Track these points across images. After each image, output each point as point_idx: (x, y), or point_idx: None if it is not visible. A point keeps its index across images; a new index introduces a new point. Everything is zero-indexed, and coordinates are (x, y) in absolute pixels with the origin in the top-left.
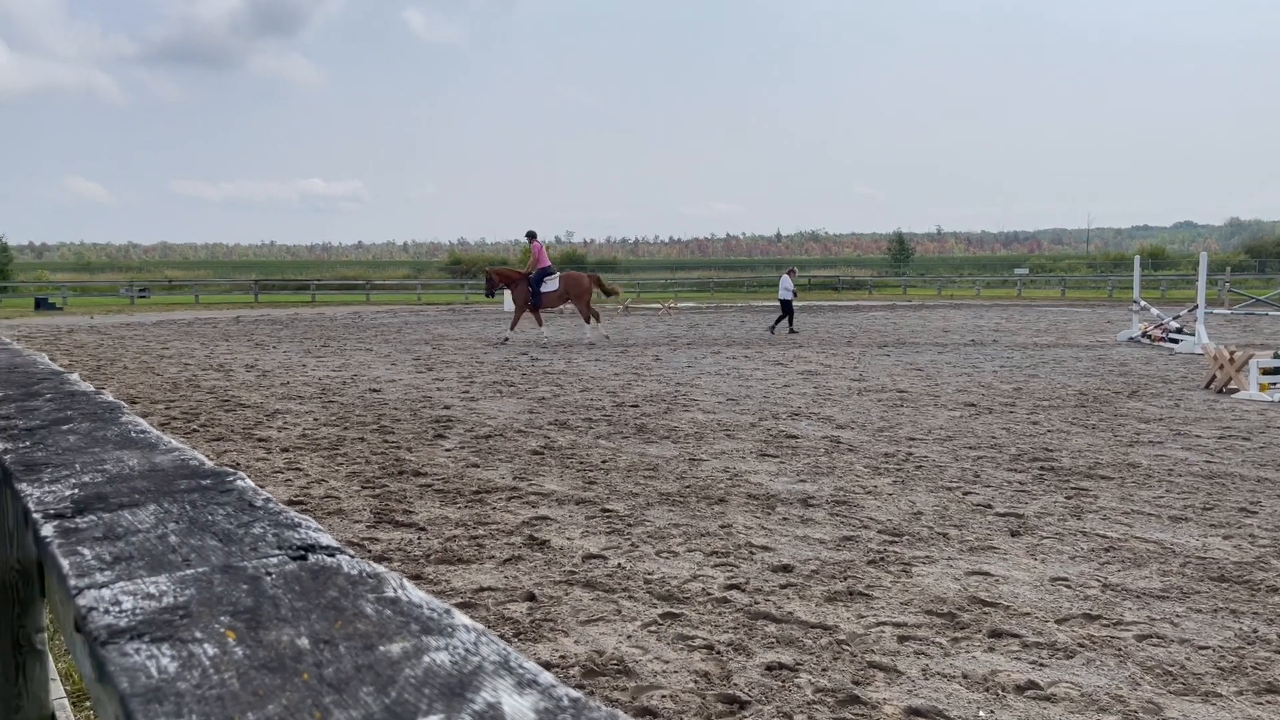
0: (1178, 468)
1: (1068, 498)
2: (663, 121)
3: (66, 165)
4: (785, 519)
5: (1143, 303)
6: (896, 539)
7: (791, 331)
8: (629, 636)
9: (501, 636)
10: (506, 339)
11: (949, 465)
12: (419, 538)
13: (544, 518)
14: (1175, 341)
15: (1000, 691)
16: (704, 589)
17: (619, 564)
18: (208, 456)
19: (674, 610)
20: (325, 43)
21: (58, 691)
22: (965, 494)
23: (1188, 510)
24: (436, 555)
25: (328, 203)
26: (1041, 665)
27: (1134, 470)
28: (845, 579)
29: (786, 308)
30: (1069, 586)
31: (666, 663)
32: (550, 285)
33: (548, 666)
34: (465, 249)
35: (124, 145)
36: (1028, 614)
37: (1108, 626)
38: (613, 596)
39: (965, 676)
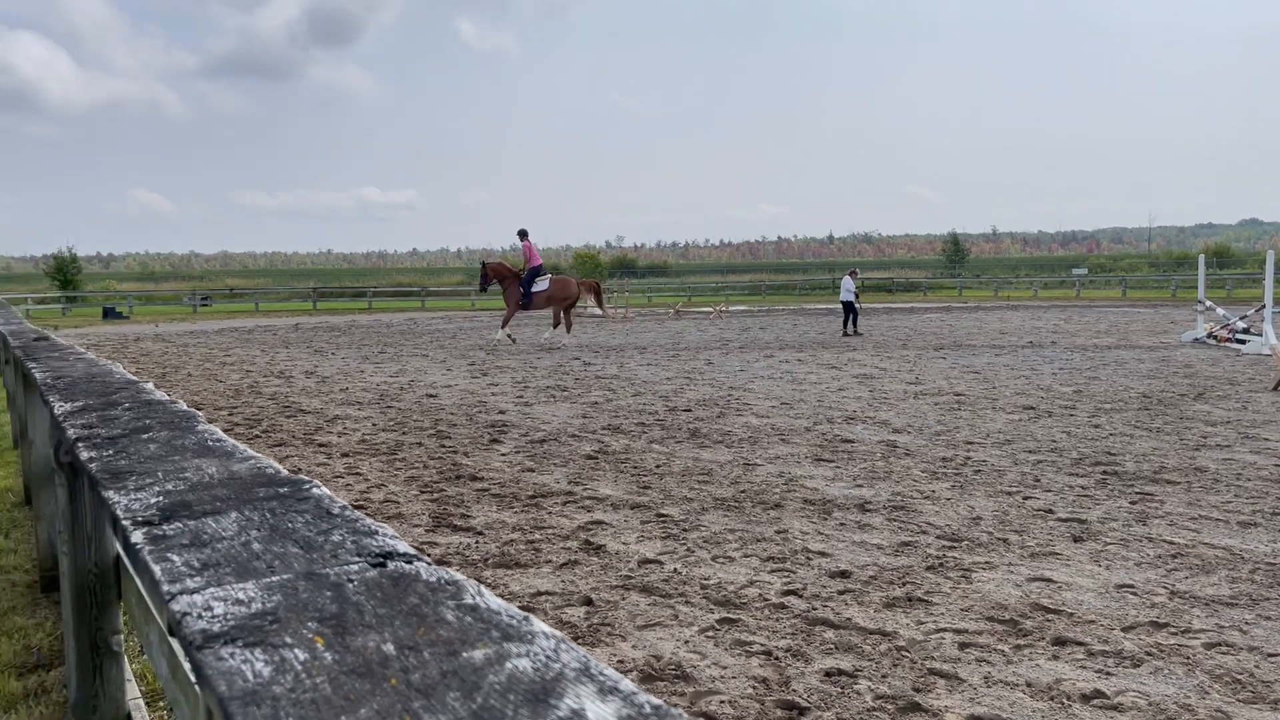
0: (1246, 472)
1: (1132, 503)
2: (711, 125)
3: (132, 178)
4: (842, 524)
5: (1208, 302)
6: (955, 544)
7: (846, 334)
8: (686, 641)
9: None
10: (510, 337)
11: (1008, 470)
12: (477, 542)
13: (599, 522)
14: (1242, 342)
15: (1065, 700)
16: (761, 594)
17: (675, 569)
18: (257, 453)
19: (731, 615)
20: (379, 53)
21: (133, 692)
22: (1025, 499)
23: (1257, 515)
24: (494, 559)
25: (383, 211)
26: (1107, 674)
27: (1201, 474)
28: (904, 585)
29: (849, 309)
30: (1135, 593)
31: (724, 668)
32: (541, 286)
33: None
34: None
35: (186, 157)
36: (1092, 621)
37: (1175, 634)
38: (669, 601)
39: (1029, 685)
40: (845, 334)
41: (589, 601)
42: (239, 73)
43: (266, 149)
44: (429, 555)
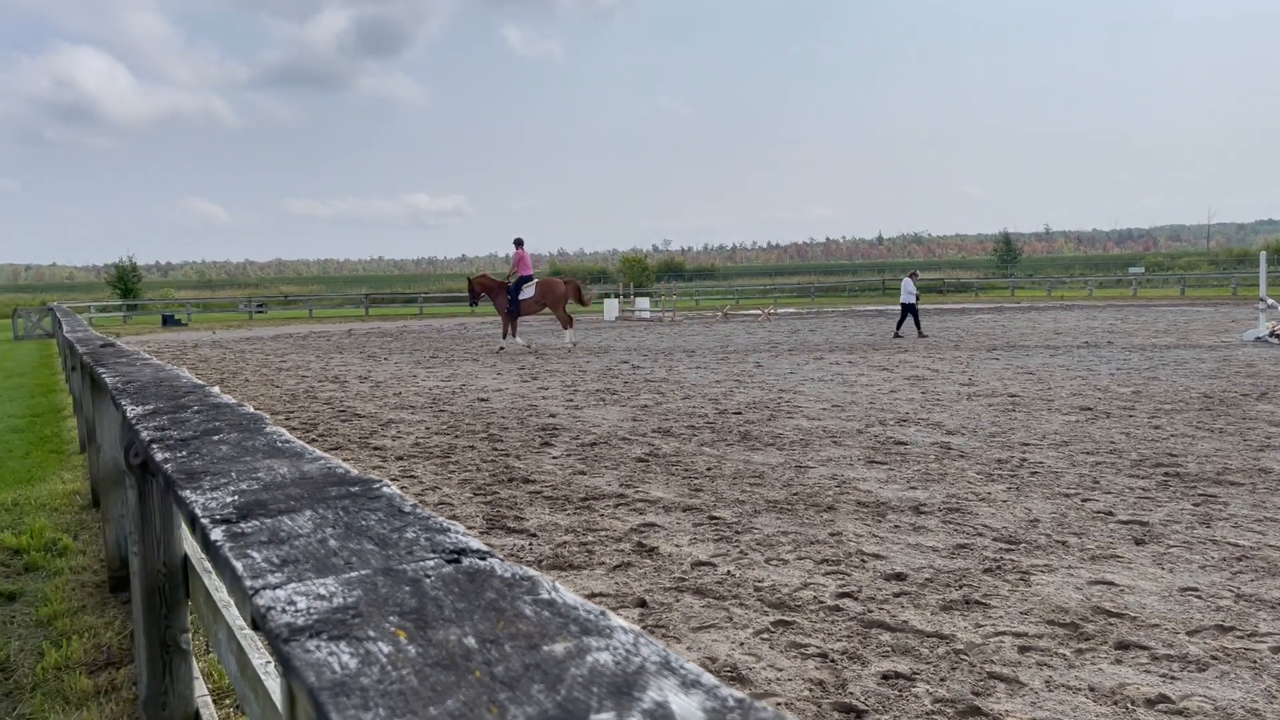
0: None
1: (1195, 505)
2: (758, 127)
3: (188, 187)
4: (896, 526)
5: (1270, 300)
6: (1013, 547)
7: (898, 335)
8: (741, 644)
9: None
10: (502, 348)
11: (1066, 471)
12: (530, 544)
13: (652, 524)
14: None
15: (1130, 705)
16: (815, 597)
17: (728, 571)
18: (325, 454)
19: (786, 618)
20: (427, 61)
21: (200, 689)
22: (1084, 501)
23: None
24: (548, 561)
25: (432, 217)
26: (1173, 678)
27: (1265, 476)
28: (961, 587)
29: (909, 311)
30: (1199, 597)
31: (780, 670)
32: (527, 292)
33: None
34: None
35: (240, 166)
36: (1156, 625)
37: (1242, 638)
38: (723, 604)
39: (1092, 689)
40: (897, 335)
41: (643, 603)
42: (291, 83)
43: (318, 157)
44: None
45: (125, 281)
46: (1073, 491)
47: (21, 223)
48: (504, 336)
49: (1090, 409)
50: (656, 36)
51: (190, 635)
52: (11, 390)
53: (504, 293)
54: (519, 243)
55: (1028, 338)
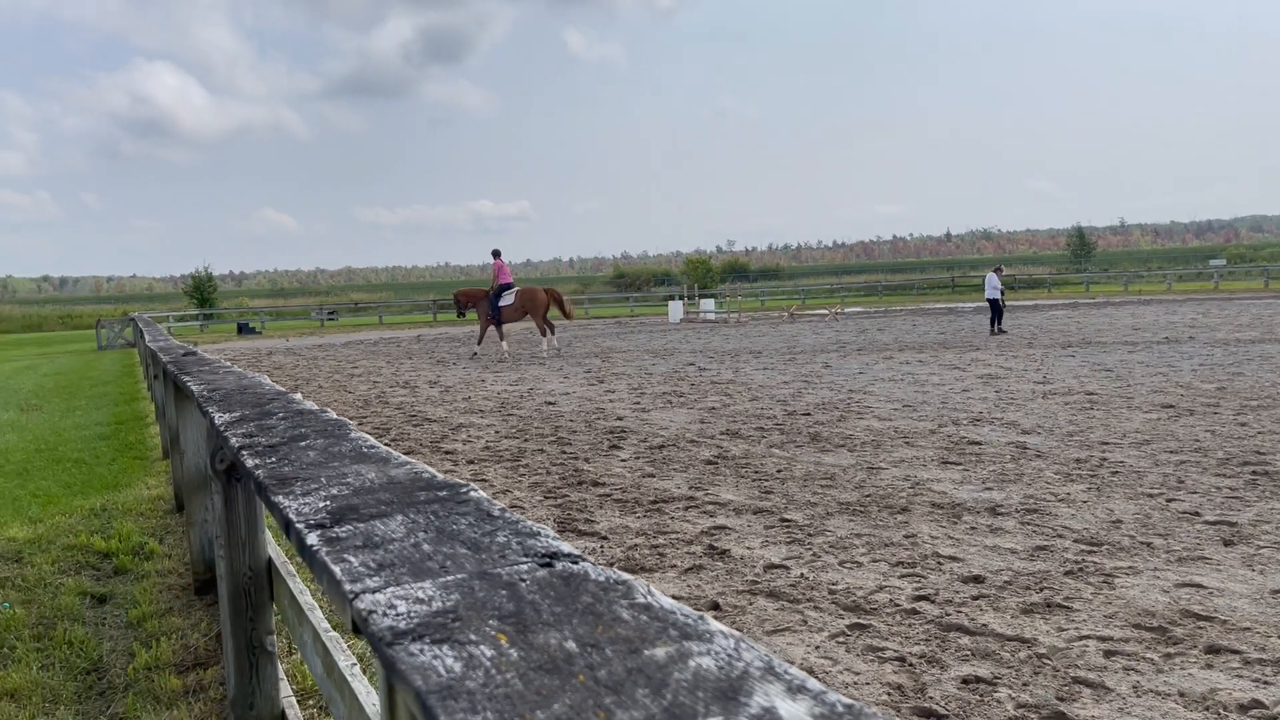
0: None
1: None
2: (821, 126)
3: (260, 198)
4: (973, 528)
5: None
6: (1095, 549)
7: (996, 332)
8: (817, 647)
9: None
10: (475, 353)
11: (1148, 471)
12: (602, 547)
13: (722, 527)
14: None
15: (1221, 710)
16: (891, 600)
17: (802, 574)
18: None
19: (861, 621)
20: (490, 68)
21: (285, 690)
22: (1169, 501)
23: None
24: (620, 564)
25: (497, 223)
26: (1266, 683)
27: None
28: (1041, 590)
29: (995, 306)
30: None
31: (858, 674)
32: (507, 300)
33: None
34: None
35: (309, 177)
36: (1248, 629)
37: None
38: (798, 607)
39: (1181, 694)
40: (994, 332)
41: (716, 606)
42: (357, 93)
43: (385, 166)
44: None
45: (202, 291)
46: (1156, 491)
47: (102, 236)
48: (478, 342)
49: (1172, 406)
50: (717, 37)
51: (275, 637)
52: (97, 399)
53: (485, 302)
54: (496, 254)
55: (1104, 334)
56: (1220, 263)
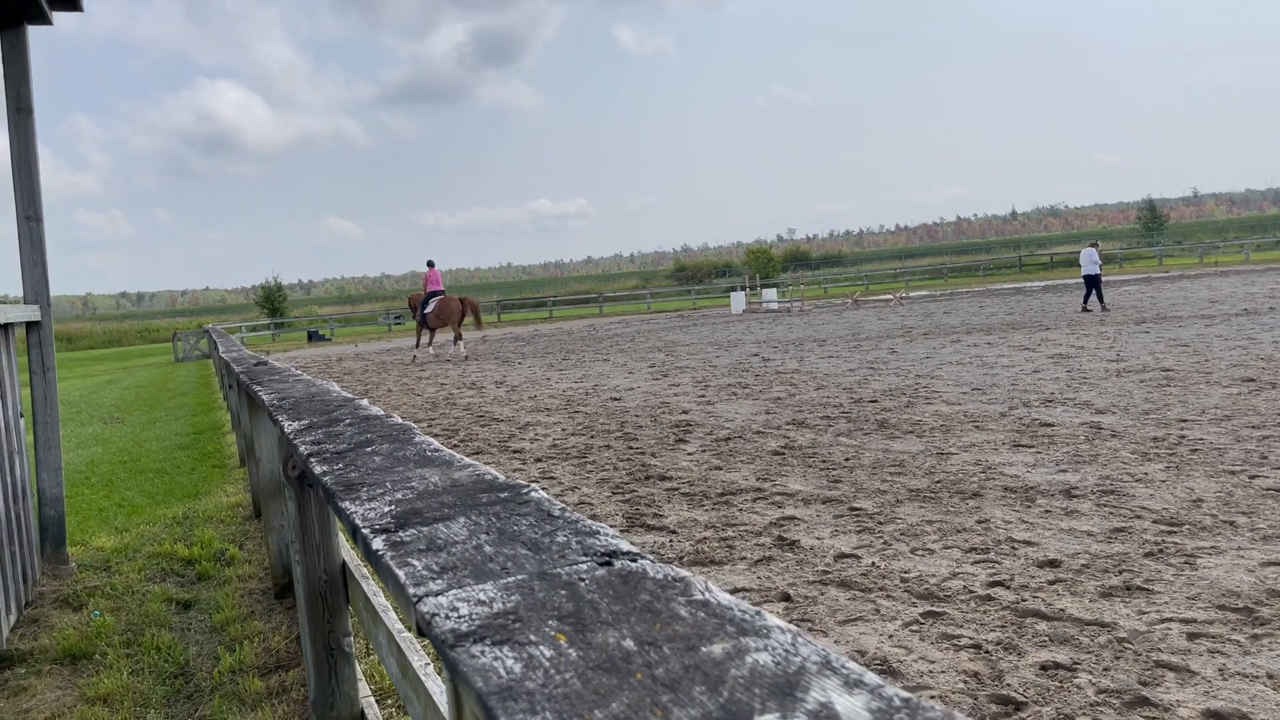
0: None
1: None
2: (877, 109)
3: (324, 207)
4: (1047, 511)
5: None
6: (1175, 529)
7: (1088, 310)
8: (890, 636)
9: None
10: (414, 357)
11: (1229, 447)
12: (671, 540)
13: (791, 518)
14: None
15: None
16: (965, 586)
17: (873, 563)
18: (473, 460)
19: (935, 609)
20: (543, 67)
21: (363, 690)
22: (1252, 478)
23: None
24: (689, 557)
25: (556, 221)
26: None
27: None
28: (1120, 573)
29: (1094, 282)
30: None
31: (932, 663)
32: (429, 307)
33: None
34: (689, 255)
35: (371, 184)
36: None
37: None
38: (870, 596)
39: (1270, 677)
40: (1088, 309)
41: (787, 597)
42: (414, 99)
43: (444, 170)
44: None
45: (272, 301)
46: (1238, 468)
47: (175, 250)
48: (416, 346)
49: (1253, 380)
50: (769, 24)
51: (352, 639)
52: (176, 410)
53: (420, 308)
54: (430, 264)
55: (1179, 308)
56: None
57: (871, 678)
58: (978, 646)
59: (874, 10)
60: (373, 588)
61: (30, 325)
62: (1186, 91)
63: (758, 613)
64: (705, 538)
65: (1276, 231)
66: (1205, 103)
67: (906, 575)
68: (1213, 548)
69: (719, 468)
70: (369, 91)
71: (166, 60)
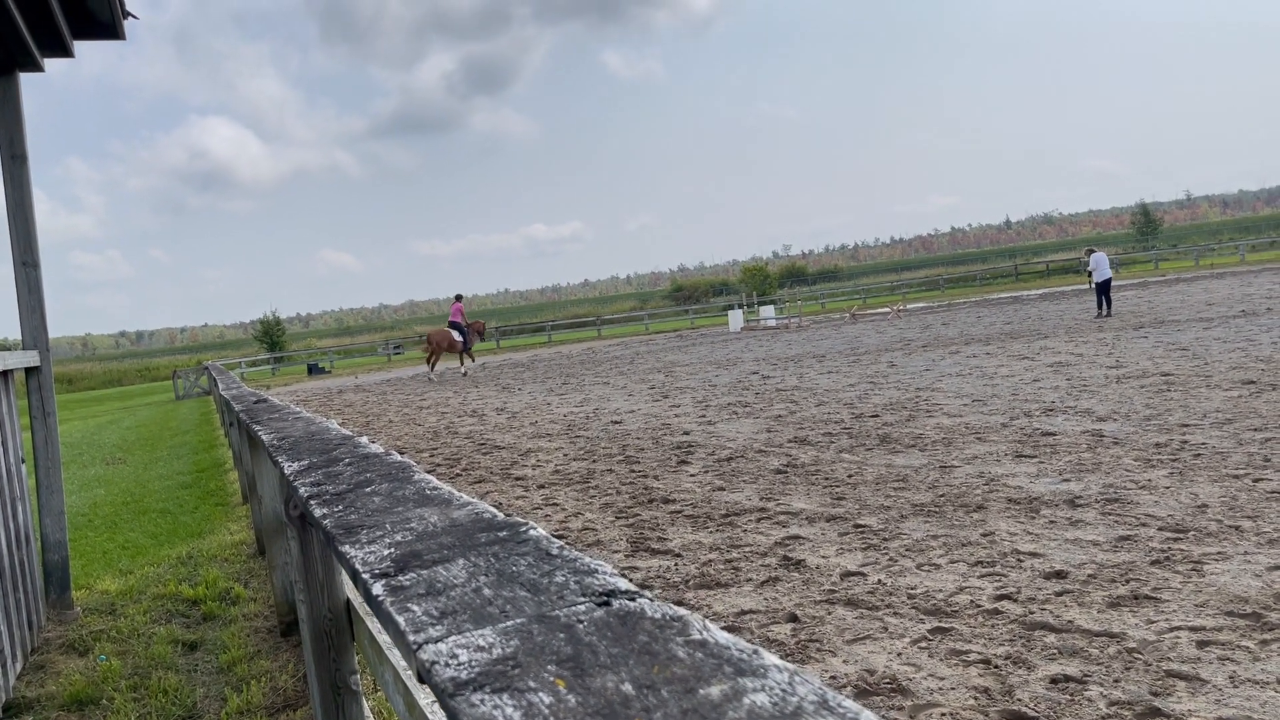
0: None
1: None
2: (866, 123)
3: (320, 240)
4: (1052, 522)
5: None
6: (1181, 535)
7: (1106, 314)
8: (899, 654)
9: None
10: (431, 378)
11: (1232, 451)
12: (676, 564)
13: (796, 537)
14: None
15: None
16: (973, 601)
17: (879, 580)
18: (472, 498)
19: (943, 624)
20: (533, 94)
21: None
22: (1256, 481)
23: None
24: (695, 580)
25: (552, 246)
26: None
27: None
28: (1128, 582)
29: (1107, 287)
30: None
31: (942, 679)
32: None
33: None
34: (686, 275)
35: (366, 215)
36: None
37: None
38: (877, 613)
39: None
40: (1106, 315)
41: (794, 618)
42: (406, 129)
43: (438, 198)
44: (631, 580)
45: (271, 335)
46: (1242, 472)
47: (173, 288)
48: (460, 365)
49: (1254, 382)
50: (755, 43)
51: (359, 676)
52: (177, 448)
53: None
54: (458, 297)
55: (1177, 312)
56: None
57: (868, 716)
58: (987, 661)
59: (856, 26)
60: (377, 626)
61: (30, 370)
62: (1176, 94)
63: (755, 651)
64: (710, 560)
65: (1271, 232)
66: (1195, 105)
67: (913, 591)
68: (1219, 553)
69: (722, 488)
70: (360, 124)
71: (157, 100)
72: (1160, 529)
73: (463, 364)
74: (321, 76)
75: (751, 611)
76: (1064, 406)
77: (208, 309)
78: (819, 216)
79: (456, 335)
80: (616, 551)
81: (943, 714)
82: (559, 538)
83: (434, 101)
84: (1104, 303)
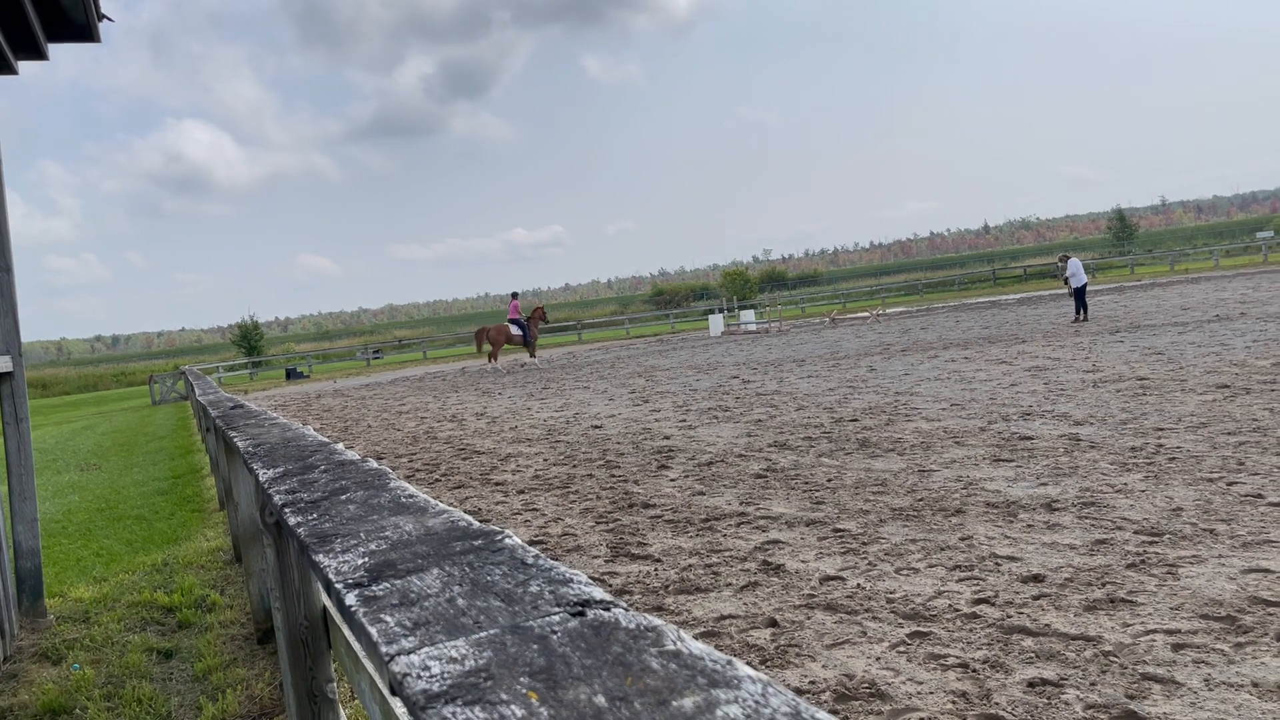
0: None
1: None
2: (847, 128)
3: (298, 244)
4: (1029, 526)
5: None
6: (1156, 539)
7: (1082, 319)
8: (878, 658)
9: (748, 664)
10: (535, 365)
11: (1207, 455)
12: (655, 569)
13: (776, 542)
14: None
15: None
16: (951, 605)
17: (858, 584)
18: (451, 504)
19: (922, 629)
20: (512, 98)
21: None
22: (1230, 484)
23: None
24: (675, 586)
25: (532, 250)
26: None
27: None
28: (1104, 586)
29: (1084, 292)
30: None
31: (920, 684)
32: (513, 330)
33: (798, 693)
34: (666, 279)
35: (344, 219)
36: None
37: None
38: (856, 618)
39: (1255, 685)
40: (1084, 319)
41: (774, 623)
42: (384, 133)
43: (417, 202)
44: (611, 585)
45: (249, 340)
46: (1216, 475)
47: (149, 292)
48: (531, 356)
49: (1228, 386)
50: (735, 48)
51: (335, 684)
52: (154, 454)
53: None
54: (514, 295)
55: (1153, 316)
56: (1268, 234)
57: None
58: (965, 666)
59: (836, 32)
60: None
61: (2, 375)
62: (1150, 101)
63: (729, 662)
64: (690, 565)
65: (1244, 237)
66: (1170, 112)
67: (892, 596)
68: (1194, 556)
69: (702, 493)
70: (338, 127)
71: (133, 103)
72: (1136, 532)
73: (532, 355)
74: (299, 79)
75: (731, 616)
76: (1041, 411)
77: (185, 313)
78: (799, 221)
79: (515, 330)
80: (596, 557)
81: (921, 718)
82: (538, 543)
83: (413, 105)
84: (1081, 307)
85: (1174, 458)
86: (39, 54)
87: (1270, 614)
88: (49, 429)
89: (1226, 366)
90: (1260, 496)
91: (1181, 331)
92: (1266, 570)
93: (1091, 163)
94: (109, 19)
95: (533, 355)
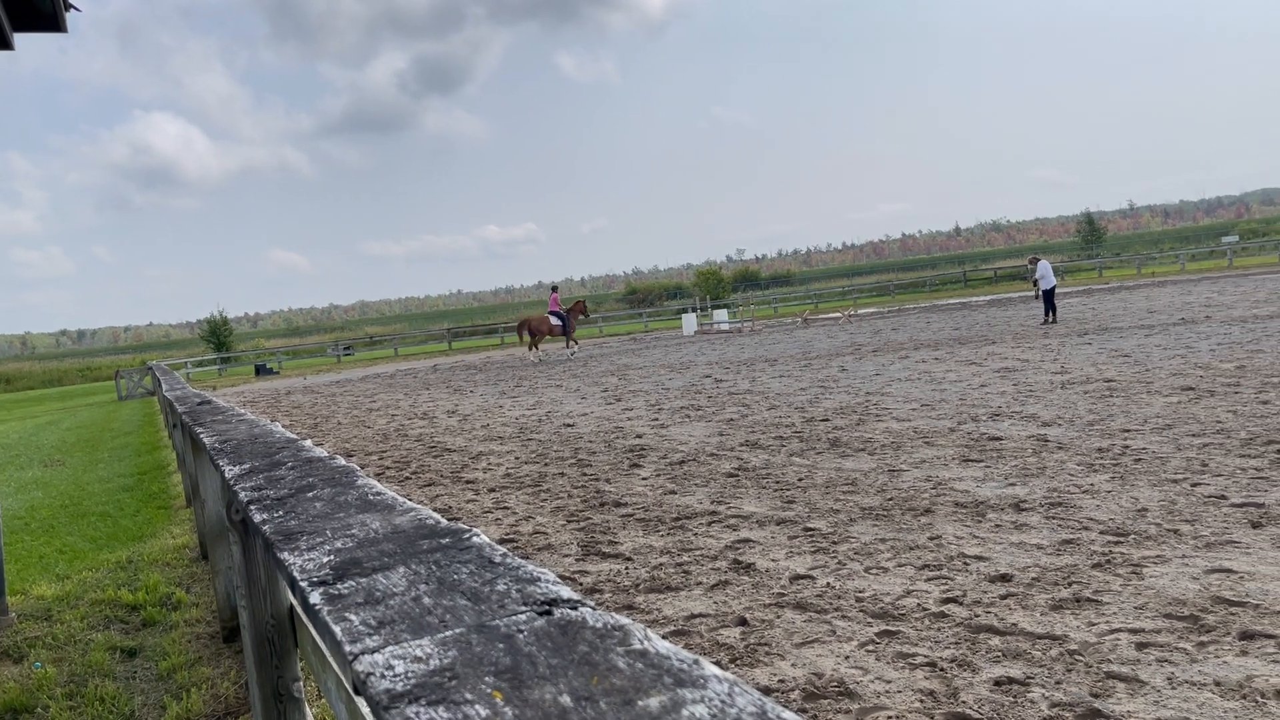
0: None
1: None
2: (820, 130)
3: (269, 239)
4: (997, 526)
5: None
6: (1122, 539)
7: (1051, 321)
8: (847, 657)
9: (717, 663)
10: (572, 354)
11: (1171, 456)
12: (626, 568)
13: (746, 540)
14: None
15: (1259, 698)
16: (919, 604)
17: (828, 583)
18: (422, 502)
19: (890, 628)
20: (486, 94)
21: None
22: (1194, 485)
23: None
24: (645, 584)
25: (506, 247)
26: None
27: None
28: (1070, 585)
29: (1051, 294)
30: None
31: (889, 682)
32: (553, 321)
33: (767, 692)
34: (640, 278)
35: (316, 214)
36: None
37: None
38: (825, 617)
39: (1218, 684)
40: (1052, 321)
41: (744, 621)
42: (357, 128)
43: (390, 198)
44: (581, 584)
45: (218, 335)
46: (1181, 477)
47: (116, 286)
48: (567, 345)
49: (1192, 388)
50: (709, 49)
51: (301, 683)
52: (119, 450)
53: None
54: (554, 287)
55: (1120, 319)
56: (1233, 239)
57: None
58: (933, 664)
59: (810, 33)
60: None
61: None
62: (1120, 107)
63: (696, 661)
64: (661, 564)
65: (1210, 242)
66: (1139, 117)
67: (861, 595)
68: (1158, 556)
69: (673, 492)
70: (310, 122)
71: (100, 95)
72: (1102, 533)
73: (569, 346)
74: (271, 73)
75: (701, 615)
76: (1010, 411)
77: (153, 308)
78: (773, 222)
79: (555, 320)
80: (567, 555)
81: (889, 717)
82: (509, 542)
83: (386, 100)
84: (1049, 310)
85: (1140, 459)
86: (5, 44)
87: (1232, 614)
88: (12, 424)
89: (1191, 369)
90: (1223, 497)
91: (1148, 334)
92: (1229, 570)
93: (1061, 166)
94: (76, 9)
95: (569, 345)
